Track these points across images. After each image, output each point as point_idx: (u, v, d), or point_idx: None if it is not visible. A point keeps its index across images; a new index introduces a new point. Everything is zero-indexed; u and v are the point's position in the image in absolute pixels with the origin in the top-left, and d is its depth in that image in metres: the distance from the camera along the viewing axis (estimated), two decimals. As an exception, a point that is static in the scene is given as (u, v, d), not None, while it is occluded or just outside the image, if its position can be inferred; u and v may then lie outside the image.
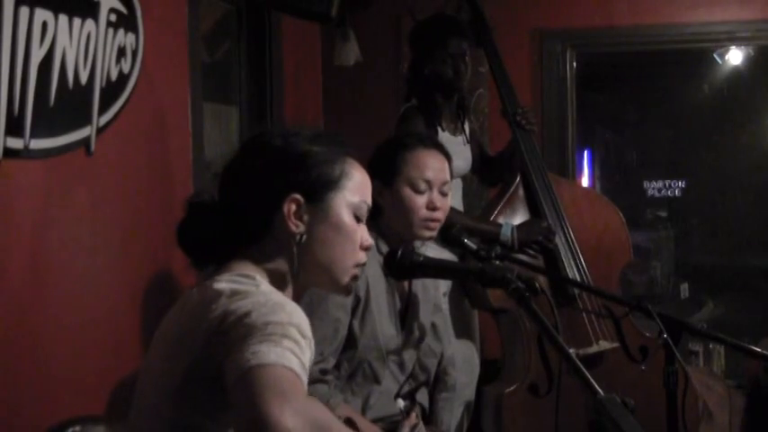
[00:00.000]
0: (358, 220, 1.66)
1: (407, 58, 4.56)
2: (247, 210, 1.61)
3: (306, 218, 1.60)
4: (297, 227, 1.60)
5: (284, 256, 1.61)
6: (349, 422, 2.21)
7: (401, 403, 2.56)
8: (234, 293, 1.48)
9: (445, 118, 3.48)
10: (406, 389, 2.61)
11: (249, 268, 1.59)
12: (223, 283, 1.51)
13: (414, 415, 2.31)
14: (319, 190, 1.62)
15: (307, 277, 1.65)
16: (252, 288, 1.50)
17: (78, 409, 2.40)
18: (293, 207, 1.60)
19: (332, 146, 1.66)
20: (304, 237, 1.60)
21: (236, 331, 1.40)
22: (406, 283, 2.61)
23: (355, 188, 1.66)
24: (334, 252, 1.64)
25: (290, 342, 1.38)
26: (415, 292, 2.63)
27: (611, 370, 3.26)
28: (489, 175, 3.75)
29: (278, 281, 1.61)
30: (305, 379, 1.37)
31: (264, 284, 1.54)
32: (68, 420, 2.03)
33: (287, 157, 1.62)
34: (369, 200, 1.69)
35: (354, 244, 1.65)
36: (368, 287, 2.48)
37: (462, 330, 3.34)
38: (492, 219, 3.37)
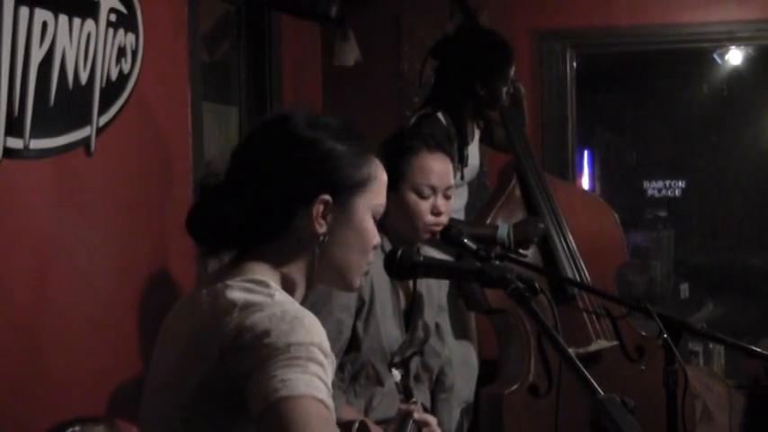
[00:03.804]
0: (375, 221, 1.63)
1: (408, 57, 4.59)
2: (271, 205, 1.53)
3: (329, 218, 1.54)
4: (321, 227, 1.54)
5: (302, 256, 1.56)
6: (363, 425, 2.20)
7: (397, 376, 2.54)
8: (247, 305, 1.42)
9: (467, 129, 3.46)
10: (398, 358, 2.59)
11: (263, 271, 1.53)
12: (236, 292, 1.46)
13: (414, 407, 2.28)
14: (347, 192, 1.56)
15: (319, 277, 1.60)
16: (266, 299, 1.44)
17: (78, 410, 2.40)
18: (321, 208, 1.54)
19: (359, 143, 1.60)
20: (325, 238, 1.55)
21: (255, 350, 1.36)
22: (410, 283, 2.61)
23: (378, 191, 1.61)
24: (352, 255, 1.60)
25: (315, 366, 1.35)
26: (420, 291, 2.63)
27: (609, 369, 3.26)
28: (492, 139, 3.72)
29: (291, 282, 1.56)
30: (332, 406, 1.36)
31: (278, 294, 1.48)
32: (68, 420, 2.03)
33: (318, 154, 1.54)
34: (385, 201, 1.65)
35: (371, 246, 1.62)
36: (372, 288, 2.47)
37: (460, 331, 3.34)
38: (489, 220, 3.38)
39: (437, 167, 2.55)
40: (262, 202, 1.53)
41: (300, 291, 1.59)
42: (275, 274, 1.54)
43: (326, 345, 1.41)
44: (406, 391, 2.55)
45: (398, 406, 2.22)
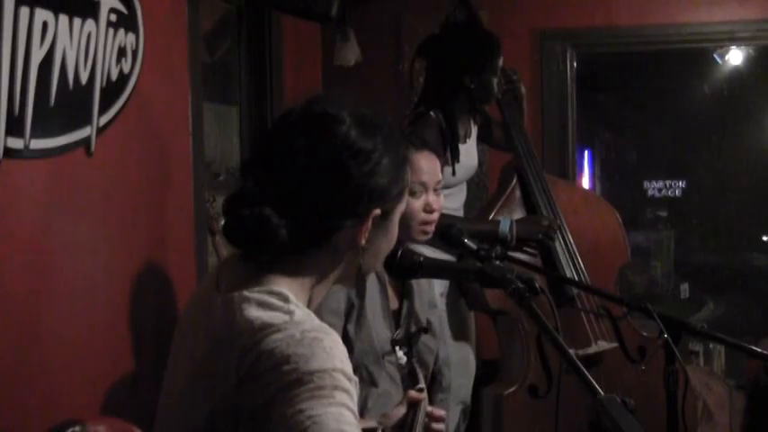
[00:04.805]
0: None
1: (408, 57, 4.59)
2: (321, 217, 1.44)
3: (371, 230, 1.49)
4: (364, 240, 1.48)
5: (333, 267, 1.50)
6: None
7: (403, 358, 2.52)
8: (264, 327, 1.35)
9: (460, 126, 3.46)
10: (400, 334, 2.56)
11: (284, 283, 1.45)
12: (253, 309, 1.38)
13: (424, 395, 2.25)
14: (392, 203, 1.52)
15: (340, 282, 1.56)
16: (285, 317, 1.37)
17: (77, 410, 2.40)
18: (371, 222, 1.47)
19: (401, 148, 1.54)
20: (363, 249, 1.50)
21: (275, 378, 1.31)
22: (399, 280, 2.60)
23: (406, 195, 1.57)
24: (380, 260, 1.58)
25: (342, 394, 1.31)
26: (410, 289, 2.63)
27: (610, 370, 3.26)
28: (491, 138, 3.73)
29: (316, 293, 1.51)
30: None
31: (298, 310, 1.40)
32: (68, 420, 2.02)
33: (374, 168, 1.45)
34: None
35: None
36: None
37: (459, 332, 3.34)
38: (490, 219, 3.38)
39: (425, 164, 2.55)
40: (311, 214, 1.43)
41: (320, 299, 1.54)
42: (297, 285, 1.47)
43: (349, 367, 1.36)
44: (411, 375, 2.51)
45: (408, 392, 2.17)
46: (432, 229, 2.57)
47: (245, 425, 1.36)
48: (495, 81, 3.37)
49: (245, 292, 1.41)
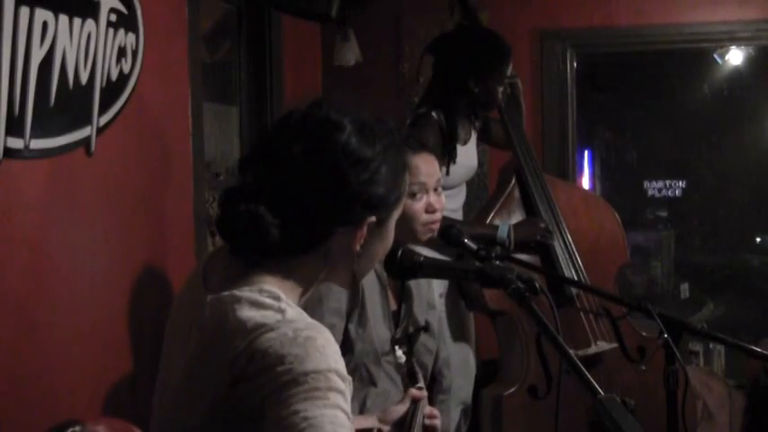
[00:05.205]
0: None
1: (408, 57, 4.59)
2: (315, 222, 1.44)
3: (366, 236, 1.49)
4: (359, 247, 1.49)
5: (324, 271, 1.50)
6: None
7: (402, 356, 2.52)
8: (257, 327, 1.35)
9: (461, 128, 3.45)
10: (399, 333, 2.56)
11: (274, 283, 1.44)
12: (245, 309, 1.38)
13: (425, 393, 2.25)
14: (390, 212, 1.53)
15: (334, 282, 1.57)
16: (277, 316, 1.37)
17: (78, 410, 2.40)
18: (365, 230, 1.48)
19: (401, 156, 1.54)
20: (358, 254, 1.51)
21: (269, 379, 1.31)
22: (398, 282, 2.60)
23: (403, 201, 1.57)
24: (375, 263, 1.59)
25: (336, 396, 1.31)
26: (409, 289, 2.63)
27: (609, 371, 3.26)
28: (489, 136, 3.73)
29: (302, 295, 1.50)
30: None
31: (290, 309, 1.40)
32: (68, 420, 2.02)
33: (372, 176, 1.46)
34: None
35: None
36: (363, 292, 2.47)
37: (458, 333, 3.33)
38: (488, 221, 3.37)
39: (423, 166, 2.55)
40: (305, 217, 1.44)
41: (304, 300, 1.54)
42: (286, 286, 1.46)
43: (342, 365, 1.36)
44: (410, 374, 2.51)
45: (410, 389, 2.18)
46: (436, 227, 2.57)
47: (241, 425, 1.36)
48: (499, 89, 3.37)
49: (236, 292, 1.41)
